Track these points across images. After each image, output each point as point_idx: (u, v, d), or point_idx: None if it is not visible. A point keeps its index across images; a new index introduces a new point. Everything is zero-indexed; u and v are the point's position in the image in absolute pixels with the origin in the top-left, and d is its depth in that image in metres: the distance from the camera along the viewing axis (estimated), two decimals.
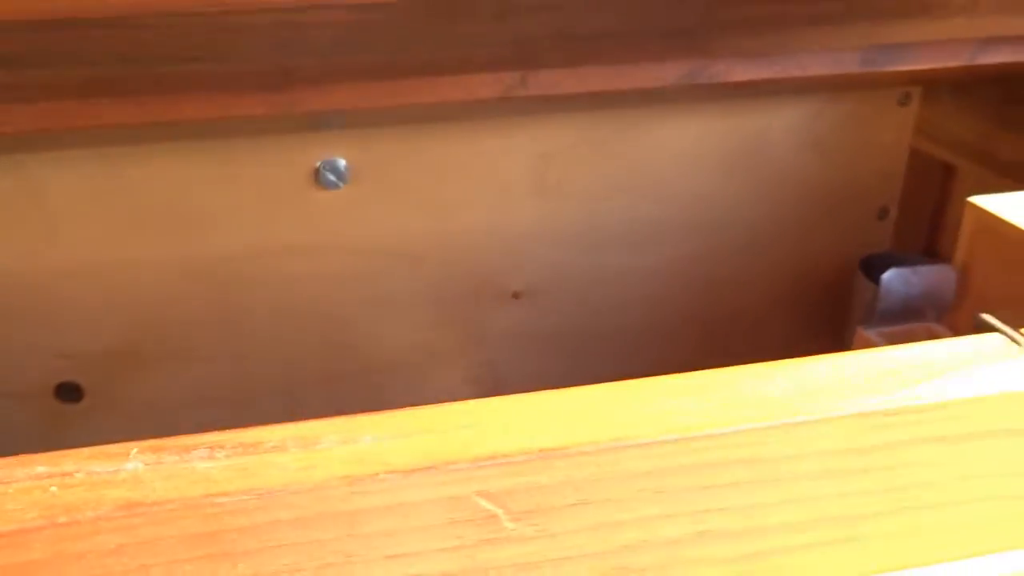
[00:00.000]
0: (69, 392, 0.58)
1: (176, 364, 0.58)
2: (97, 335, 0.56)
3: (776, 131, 0.58)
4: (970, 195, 0.42)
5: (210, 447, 0.20)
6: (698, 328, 0.61)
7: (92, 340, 0.56)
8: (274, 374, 0.59)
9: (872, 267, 0.58)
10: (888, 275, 0.45)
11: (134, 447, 0.20)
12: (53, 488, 0.18)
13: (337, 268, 0.57)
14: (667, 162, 0.57)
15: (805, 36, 0.40)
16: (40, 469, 0.19)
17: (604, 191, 0.56)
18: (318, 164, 0.55)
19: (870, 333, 0.42)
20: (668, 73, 0.40)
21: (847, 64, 0.44)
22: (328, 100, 0.40)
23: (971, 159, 0.56)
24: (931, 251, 0.62)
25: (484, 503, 0.20)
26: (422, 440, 0.20)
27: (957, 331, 0.37)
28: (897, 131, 0.61)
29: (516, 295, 0.61)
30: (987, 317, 0.24)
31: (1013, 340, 0.24)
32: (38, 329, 0.55)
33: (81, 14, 0.31)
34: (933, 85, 0.58)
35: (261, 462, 0.20)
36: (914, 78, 0.57)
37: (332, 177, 0.55)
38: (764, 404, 0.21)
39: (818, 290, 0.63)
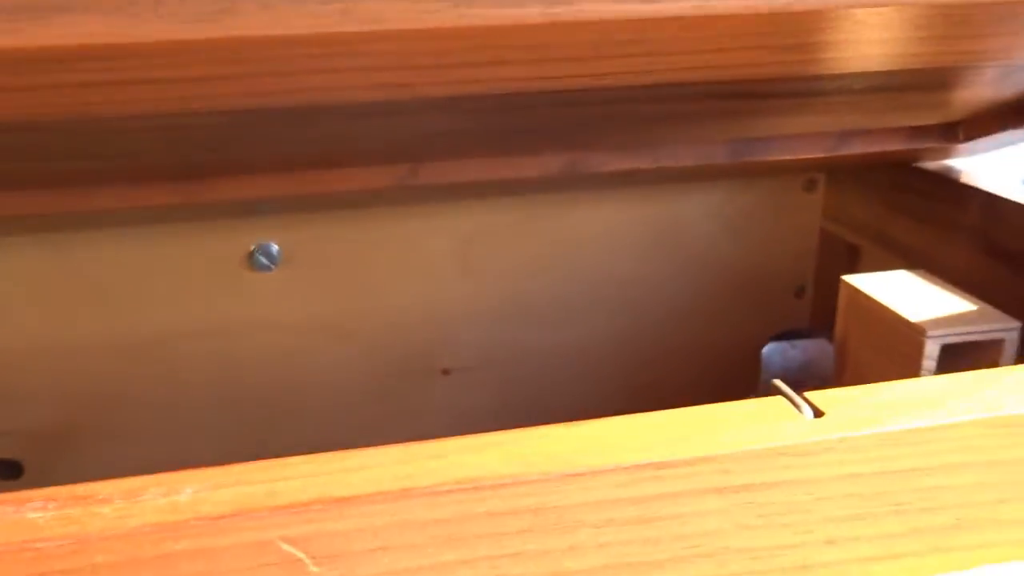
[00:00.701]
0: (8, 468, 0.60)
1: (113, 442, 0.61)
2: (37, 413, 0.58)
3: (690, 215, 0.62)
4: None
5: (44, 499, 0.22)
6: (621, 401, 0.63)
7: (32, 418, 0.58)
8: (209, 450, 0.61)
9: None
10: (767, 349, 0.47)
11: None
12: None
13: (271, 347, 0.60)
14: (586, 244, 0.60)
15: (676, 130, 0.43)
16: None
17: (526, 272, 0.59)
18: (252, 247, 0.58)
19: None
20: (551, 164, 0.44)
21: (716, 156, 0.47)
22: (238, 191, 0.44)
23: (871, 240, 0.60)
24: None
25: (288, 548, 0.22)
26: (236, 491, 0.23)
27: None
28: (806, 214, 0.64)
29: (445, 371, 0.63)
30: (776, 382, 0.27)
31: (794, 404, 0.26)
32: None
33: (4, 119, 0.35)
34: (835, 172, 0.62)
35: (86, 512, 0.22)
36: (816, 165, 0.61)
37: (265, 260, 0.58)
38: (550, 456, 0.24)
39: (739, 365, 0.65)
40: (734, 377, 0.65)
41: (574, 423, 0.25)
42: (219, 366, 0.60)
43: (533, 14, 0.24)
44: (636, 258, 0.62)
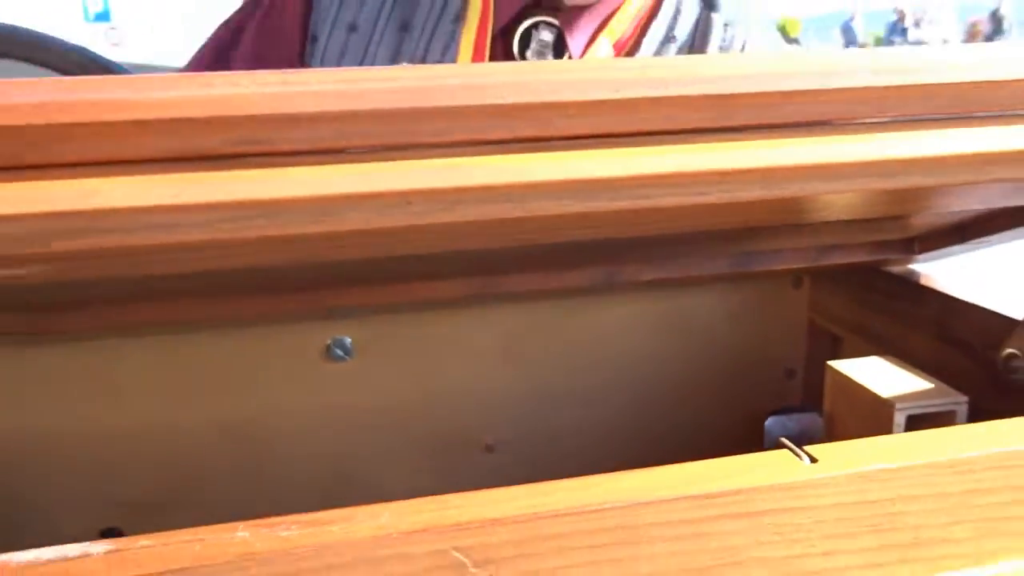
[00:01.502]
0: (110, 536, 0.69)
1: (202, 512, 0.70)
2: (142, 487, 0.68)
3: (696, 310, 0.73)
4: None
5: (288, 523, 0.33)
6: (640, 466, 0.73)
7: (137, 491, 0.68)
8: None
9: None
10: (769, 422, 0.58)
11: None
12: None
13: (343, 426, 0.70)
14: (609, 337, 0.71)
15: (692, 248, 0.55)
16: None
17: (557, 361, 0.70)
18: (329, 342, 0.69)
19: None
20: (592, 276, 0.55)
21: (722, 266, 0.59)
22: (336, 301, 0.55)
23: (850, 331, 0.71)
24: None
25: (457, 554, 0.32)
26: (420, 516, 0.33)
27: None
28: (795, 308, 0.76)
29: (489, 448, 0.74)
30: (782, 439, 0.38)
31: (796, 454, 0.37)
32: (95, 481, 0.66)
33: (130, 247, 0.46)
34: (818, 274, 0.74)
35: (321, 530, 0.32)
36: (802, 269, 0.73)
37: (340, 352, 0.69)
38: (625, 491, 0.34)
39: (741, 436, 0.76)
40: (737, 446, 0.75)
41: (634, 471, 0.36)
42: (298, 444, 0.70)
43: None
44: (651, 348, 0.73)
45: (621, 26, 0.87)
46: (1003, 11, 17.67)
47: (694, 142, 0.32)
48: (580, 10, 0.84)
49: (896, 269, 0.67)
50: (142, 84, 0.26)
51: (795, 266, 0.64)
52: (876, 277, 0.67)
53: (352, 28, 0.88)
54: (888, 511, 0.37)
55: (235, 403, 0.67)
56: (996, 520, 0.38)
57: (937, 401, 0.52)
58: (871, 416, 0.53)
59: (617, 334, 0.71)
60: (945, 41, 17.18)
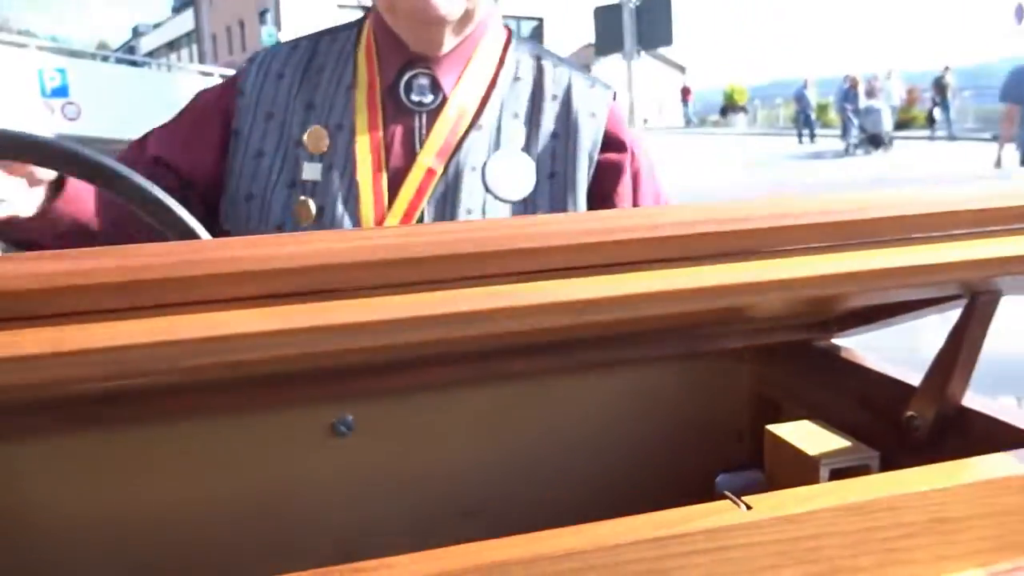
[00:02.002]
0: None
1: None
2: (170, 554, 0.75)
3: (657, 384, 0.84)
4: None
5: (343, 570, 0.42)
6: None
7: (167, 558, 0.75)
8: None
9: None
10: (720, 478, 0.69)
11: None
12: None
13: (345, 493, 0.79)
14: (580, 410, 0.81)
15: (651, 332, 0.66)
16: None
17: (534, 433, 0.80)
18: (334, 420, 0.78)
19: None
20: (565, 360, 0.66)
21: (678, 347, 0.70)
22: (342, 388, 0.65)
23: (786, 398, 0.82)
24: None
25: None
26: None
27: None
28: (740, 380, 0.87)
29: (468, 514, 0.82)
30: (725, 492, 0.48)
31: (735, 503, 0.47)
32: (126, 552, 0.74)
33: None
34: (759, 350, 0.85)
35: None
36: (744, 347, 0.85)
37: (344, 429, 0.78)
38: (613, 533, 0.44)
39: (696, 492, 0.85)
40: (695, 500, 0.85)
41: (609, 520, 0.46)
42: (308, 509, 0.78)
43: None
44: (617, 418, 0.83)
45: (483, 69, 1.07)
46: (947, 79, 18.66)
47: (656, 269, 0.43)
48: (445, 57, 1.04)
49: (821, 344, 0.79)
50: (251, 243, 0.37)
51: (738, 345, 0.75)
52: (805, 352, 0.79)
53: (269, 116, 1.06)
54: (807, 547, 0.47)
55: (253, 477, 0.76)
56: (893, 551, 0.49)
57: (854, 456, 0.63)
58: (802, 471, 0.64)
59: (587, 407, 0.81)
60: (893, 107, 18.03)
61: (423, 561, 0.42)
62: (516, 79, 1.08)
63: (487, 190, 1.04)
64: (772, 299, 0.57)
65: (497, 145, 1.06)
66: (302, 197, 1.02)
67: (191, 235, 0.77)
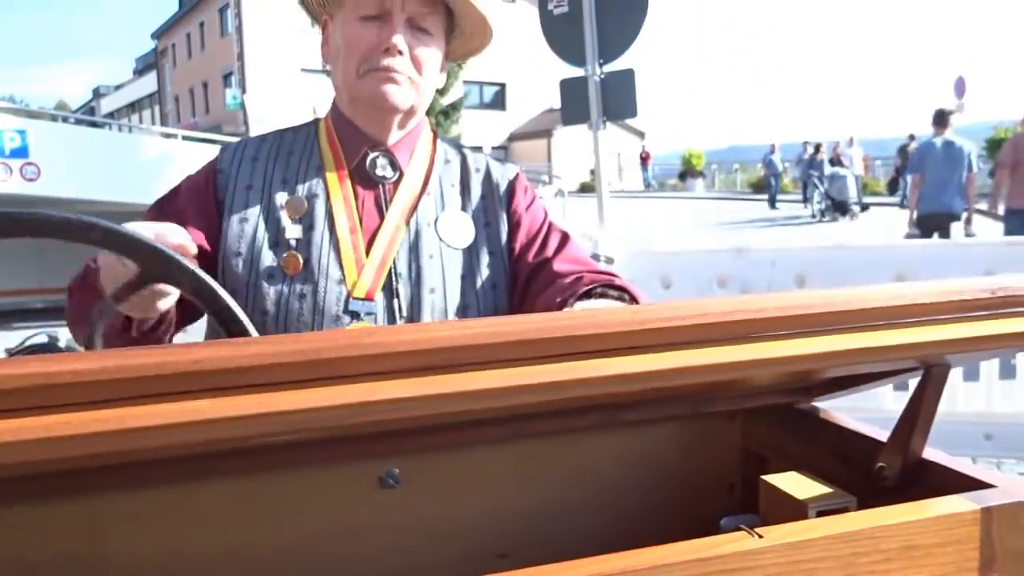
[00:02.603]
0: None
1: None
2: None
3: (662, 440, 0.96)
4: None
5: None
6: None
7: None
8: None
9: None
10: (724, 520, 0.81)
11: None
12: None
13: (392, 539, 0.89)
14: (596, 463, 0.93)
15: (658, 398, 0.78)
16: None
17: (559, 483, 0.92)
18: (382, 474, 0.89)
19: None
20: (587, 420, 0.78)
21: (679, 410, 0.83)
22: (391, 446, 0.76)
23: (773, 453, 0.95)
24: None
25: None
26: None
27: None
28: (731, 436, 1.00)
29: (503, 556, 0.93)
30: (740, 524, 0.60)
31: (749, 533, 0.59)
32: None
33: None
34: (747, 411, 0.98)
35: None
36: (735, 409, 0.97)
37: (391, 481, 0.89)
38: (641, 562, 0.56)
39: (696, 535, 0.97)
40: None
41: (641, 549, 0.58)
42: (358, 554, 0.88)
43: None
44: (628, 469, 0.95)
45: (424, 153, 1.37)
46: (911, 147, 19.33)
47: (664, 351, 0.57)
48: (396, 144, 1.34)
49: (802, 406, 0.92)
50: (397, 331, 0.49)
51: (731, 408, 0.88)
52: (788, 413, 0.92)
53: (248, 188, 1.31)
54: (806, 568, 0.59)
55: (314, 524, 0.86)
56: (873, 572, 0.61)
57: (836, 500, 0.75)
58: (793, 513, 0.76)
59: (601, 461, 0.93)
60: (857, 176, 18.63)
61: None
62: (447, 161, 1.41)
63: (440, 240, 1.32)
64: (761, 373, 0.70)
65: (443, 207, 1.36)
66: (288, 252, 1.27)
67: (245, 332, 0.92)
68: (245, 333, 0.93)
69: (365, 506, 0.88)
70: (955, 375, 4.19)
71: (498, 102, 42.36)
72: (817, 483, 0.79)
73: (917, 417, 0.73)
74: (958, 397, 4.23)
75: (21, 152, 17.81)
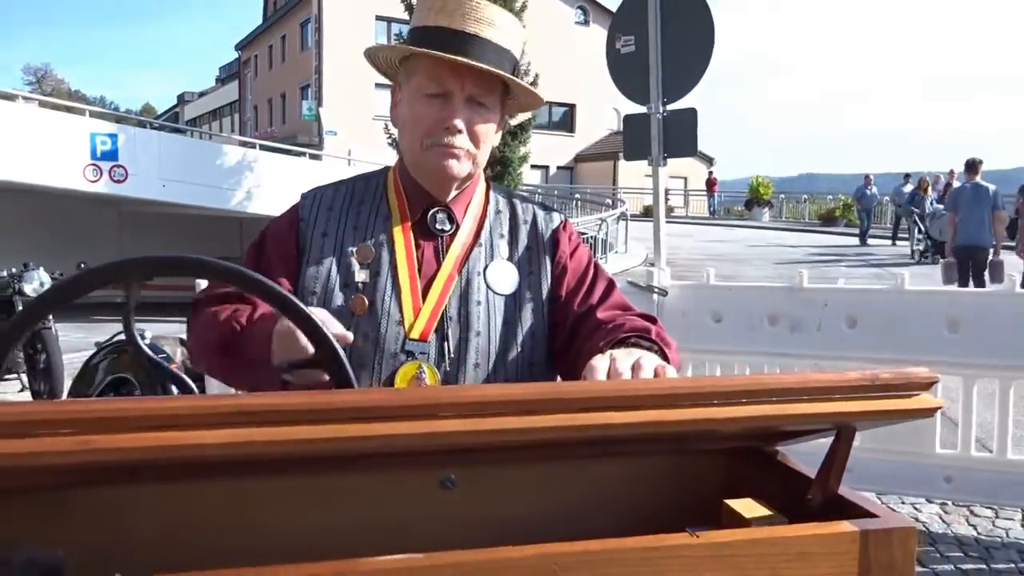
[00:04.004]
0: None
1: None
2: None
3: (654, 467, 1.24)
4: None
5: None
6: None
7: None
8: None
9: None
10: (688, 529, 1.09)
11: None
12: None
13: (447, 531, 1.19)
14: (608, 482, 1.22)
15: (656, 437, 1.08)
16: None
17: (579, 493, 1.20)
18: (443, 478, 1.19)
19: None
20: (599, 449, 1.07)
21: (691, 444, 1.11)
22: (451, 457, 1.06)
23: (741, 484, 1.22)
24: None
25: None
26: None
27: None
28: (713, 469, 1.27)
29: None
30: (686, 528, 0.88)
31: (691, 534, 0.87)
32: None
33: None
34: (726, 451, 1.26)
35: None
36: (717, 449, 1.25)
37: (449, 484, 1.19)
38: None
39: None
40: None
41: (608, 540, 0.86)
42: (419, 544, 1.18)
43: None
44: (629, 489, 1.23)
45: (478, 206, 1.59)
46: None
47: (678, 407, 0.86)
48: (453, 200, 1.55)
49: (766, 449, 1.19)
50: (461, 389, 0.79)
51: (712, 448, 1.17)
52: (755, 454, 1.19)
53: (324, 233, 1.53)
54: (726, 562, 0.87)
55: (387, 518, 1.16)
56: (781, 569, 0.89)
57: (772, 520, 1.03)
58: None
59: (610, 482, 1.22)
60: None
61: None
62: (498, 211, 1.60)
63: (488, 287, 1.50)
64: (728, 426, 0.99)
65: (492, 257, 1.54)
66: (356, 294, 1.48)
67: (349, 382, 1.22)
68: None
69: (429, 502, 1.18)
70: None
71: (566, 123, 42.69)
72: (762, 507, 1.06)
73: (832, 463, 1.00)
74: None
75: (111, 155, 18.81)
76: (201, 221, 21.61)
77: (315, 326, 1.19)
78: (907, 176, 21.63)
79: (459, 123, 1.47)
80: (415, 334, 1.48)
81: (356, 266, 1.50)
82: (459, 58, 1.44)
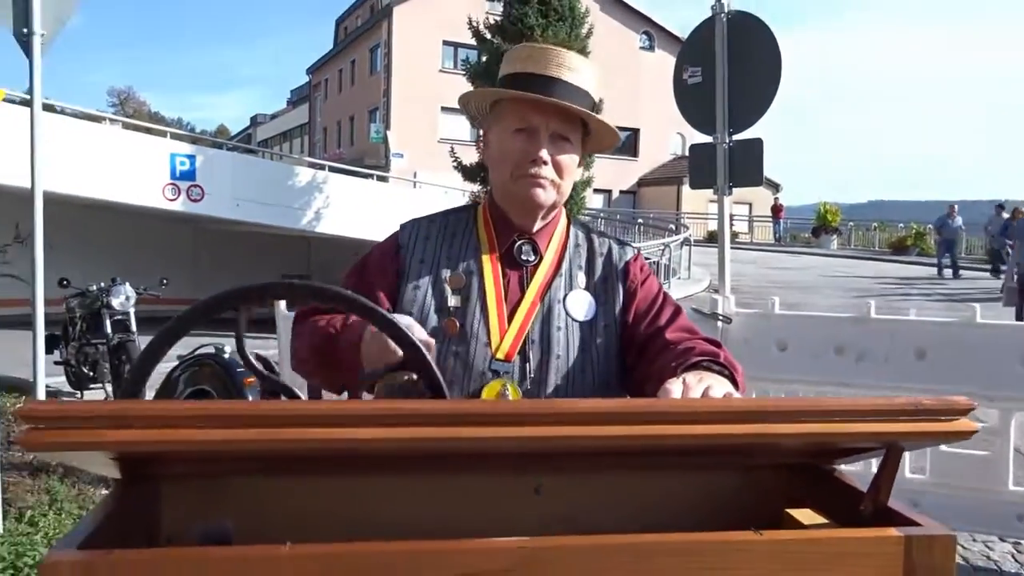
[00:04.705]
0: None
1: None
2: None
3: (727, 482, 1.39)
4: None
5: None
6: None
7: None
8: None
9: None
10: None
11: None
12: None
13: (537, 528, 1.35)
14: (673, 493, 1.37)
15: (708, 451, 1.23)
16: None
17: (637, 500, 1.36)
18: (536, 484, 1.35)
19: None
20: (668, 462, 1.23)
21: (741, 460, 1.26)
22: (542, 467, 1.22)
23: (802, 497, 1.36)
24: None
25: None
26: None
27: None
28: (778, 485, 1.41)
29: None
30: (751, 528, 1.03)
31: (755, 533, 1.02)
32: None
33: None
34: (787, 467, 1.39)
35: None
36: (779, 463, 1.39)
37: (540, 490, 1.35)
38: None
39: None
40: None
41: (677, 534, 1.01)
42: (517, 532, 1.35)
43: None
44: (696, 499, 1.38)
45: (559, 238, 1.75)
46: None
47: (727, 425, 1.01)
48: (538, 232, 1.72)
49: (825, 467, 1.33)
50: (543, 403, 0.96)
51: (776, 463, 1.31)
52: (813, 470, 1.33)
53: (422, 261, 1.69)
54: (784, 558, 1.01)
55: (483, 519, 1.33)
56: (823, 567, 1.03)
57: (829, 527, 1.17)
58: None
59: (674, 494, 1.37)
60: None
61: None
62: (577, 245, 1.76)
63: (567, 314, 1.65)
64: (789, 442, 1.13)
65: (571, 286, 1.68)
66: (448, 317, 1.64)
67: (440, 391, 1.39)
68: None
69: (524, 505, 1.35)
70: None
71: (630, 147, 42.72)
72: (820, 516, 1.20)
73: (882, 478, 1.14)
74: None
75: (189, 175, 19.60)
76: (271, 239, 22.35)
77: (402, 332, 1.37)
78: (1001, 205, 20.92)
79: (545, 155, 1.64)
80: (500, 355, 1.64)
81: (449, 292, 1.67)
82: (544, 97, 1.62)
